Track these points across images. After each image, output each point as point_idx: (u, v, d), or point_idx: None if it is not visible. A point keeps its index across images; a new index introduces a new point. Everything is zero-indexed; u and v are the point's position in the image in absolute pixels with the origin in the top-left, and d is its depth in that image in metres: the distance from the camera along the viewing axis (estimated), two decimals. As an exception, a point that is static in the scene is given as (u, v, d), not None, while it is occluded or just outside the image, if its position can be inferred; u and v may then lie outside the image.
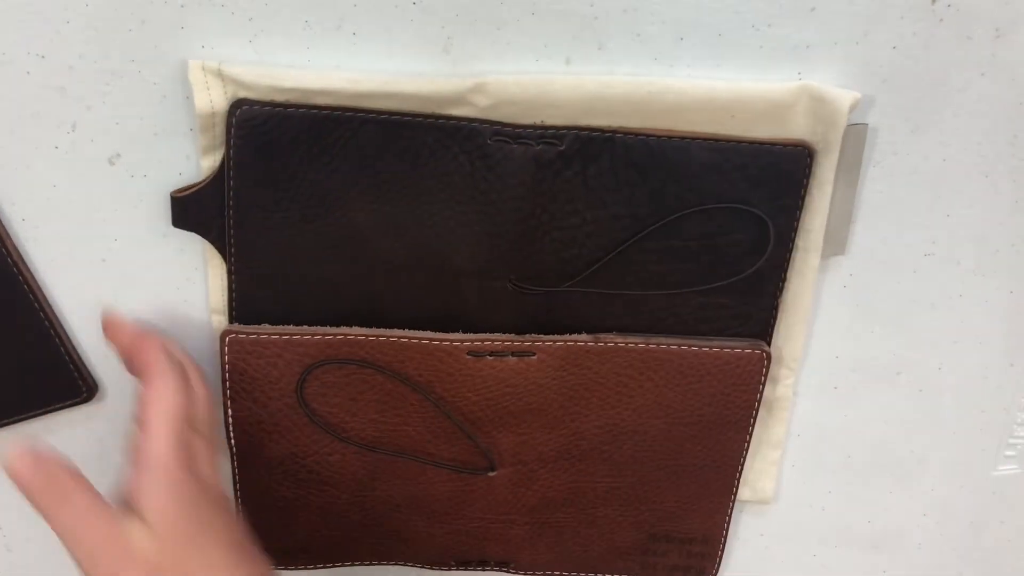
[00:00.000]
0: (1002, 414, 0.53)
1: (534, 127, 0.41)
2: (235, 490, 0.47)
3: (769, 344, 0.47)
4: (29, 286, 0.42)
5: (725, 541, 0.52)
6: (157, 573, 0.36)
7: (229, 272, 0.43)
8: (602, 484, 0.49)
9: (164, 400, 0.38)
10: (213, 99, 0.39)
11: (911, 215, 0.46)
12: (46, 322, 0.43)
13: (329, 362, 0.44)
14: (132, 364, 0.41)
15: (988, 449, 0.54)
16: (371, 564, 0.51)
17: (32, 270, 0.42)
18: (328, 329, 0.44)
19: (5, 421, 0.45)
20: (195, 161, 0.41)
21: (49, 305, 0.43)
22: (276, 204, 0.41)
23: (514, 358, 0.45)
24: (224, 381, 0.44)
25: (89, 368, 0.45)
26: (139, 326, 0.43)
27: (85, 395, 0.45)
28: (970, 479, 0.55)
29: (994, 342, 0.51)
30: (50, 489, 0.36)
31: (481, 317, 0.45)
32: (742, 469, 0.50)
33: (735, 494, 0.51)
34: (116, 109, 0.39)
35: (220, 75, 0.38)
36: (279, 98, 0.39)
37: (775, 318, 0.47)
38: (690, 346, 0.46)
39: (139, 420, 0.38)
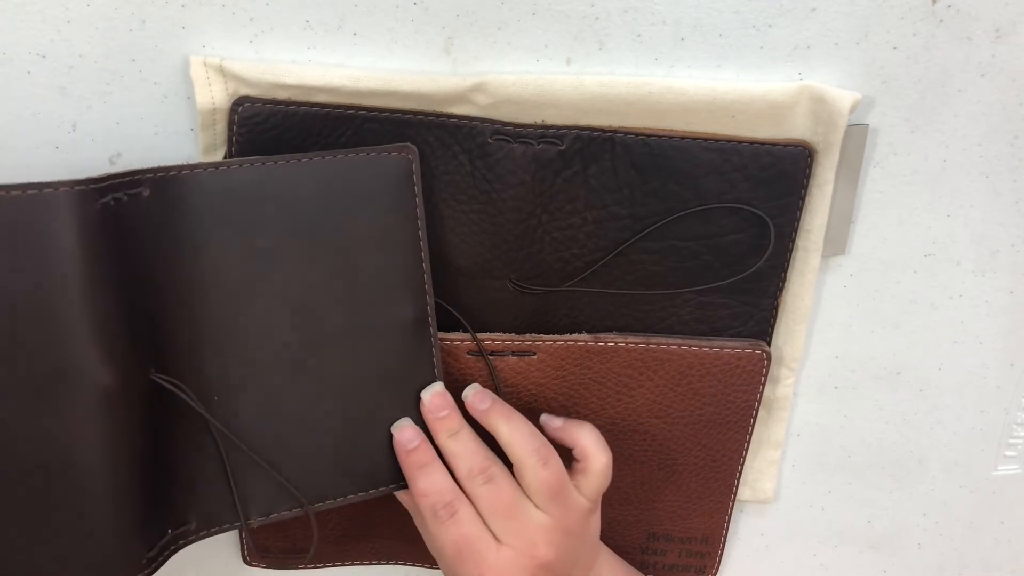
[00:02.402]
0: (1002, 414, 0.53)
1: (535, 126, 0.41)
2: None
3: (769, 344, 0.47)
4: None
5: (725, 541, 0.52)
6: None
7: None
8: (602, 484, 0.49)
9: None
10: (215, 96, 0.39)
11: (911, 215, 0.46)
12: None
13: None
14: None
15: (988, 449, 0.54)
16: (371, 564, 0.51)
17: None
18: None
19: None
20: (195, 161, 0.41)
21: None
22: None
23: (514, 357, 0.45)
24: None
25: None
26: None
27: None
28: (970, 479, 0.55)
29: (994, 342, 0.51)
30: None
31: (481, 316, 0.45)
32: (742, 469, 0.50)
33: (735, 494, 0.51)
34: (117, 109, 0.39)
35: (222, 71, 0.38)
36: (280, 95, 0.39)
37: (775, 318, 0.47)
38: (690, 346, 0.46)
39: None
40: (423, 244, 0.41)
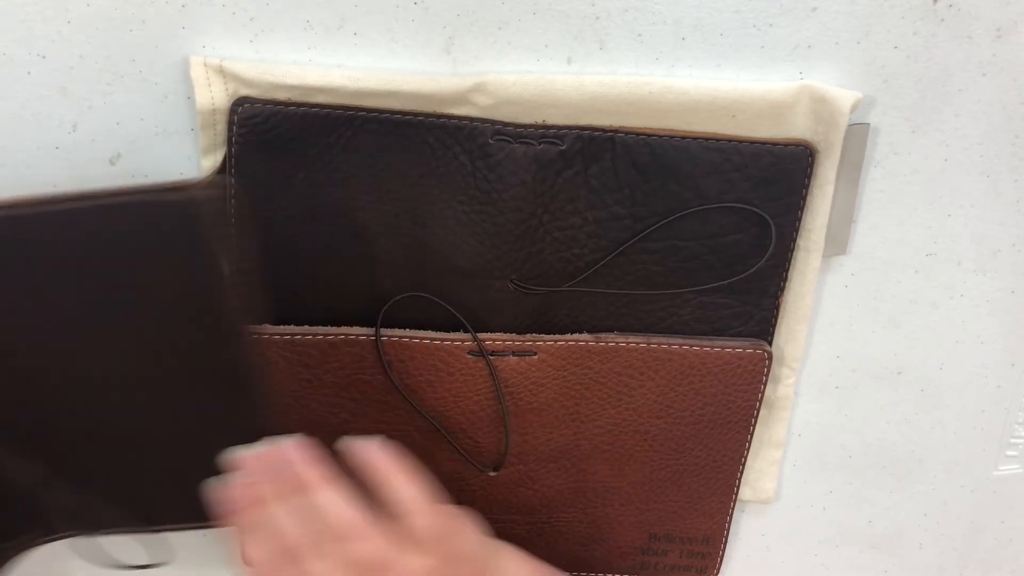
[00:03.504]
0: (1003, 414, 0.53)
1: (535, 126, 0.41)
2: (236, 490, 0.47)
3: (770, 344, 0.47)
4: None
5: (726, 541, 0.52)
6: None
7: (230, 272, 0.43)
8: (603, 484, 0.49)
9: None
10: (214, 96, 0.39)
11: (912, 215, 0.46)
12: None
13: (332, 361, 0.44)
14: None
15: (989, 449, 0.54)
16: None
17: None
18: (329, 329, 0.44)
19: None
20: (196, 161, 0.41)
21: None
22: (277, 203, 0.41)
23: (515, 358, 0.45)
24: (225, 381, 0.44)
25: None
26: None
27: None
28: (971, 479, 0.55)
29: (995, 342, 0.51)
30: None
31: (482, 317, 0.45)
32: (743, 469, 0.50)
33: (736, 494, 0.51)
34: (117, 109, 0.39)
35: (222, 72, 0.38)
36: (280, 96, 0.39)
37: (776, 318, 0.47)
38: (691, 346, 0.46)
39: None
40: (234, 287, 0.37)
